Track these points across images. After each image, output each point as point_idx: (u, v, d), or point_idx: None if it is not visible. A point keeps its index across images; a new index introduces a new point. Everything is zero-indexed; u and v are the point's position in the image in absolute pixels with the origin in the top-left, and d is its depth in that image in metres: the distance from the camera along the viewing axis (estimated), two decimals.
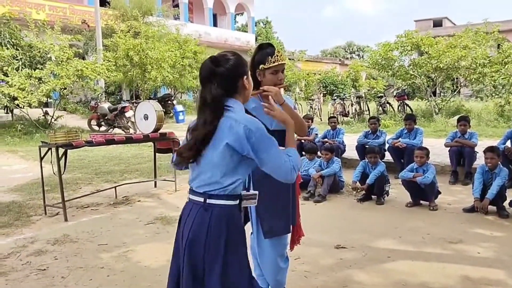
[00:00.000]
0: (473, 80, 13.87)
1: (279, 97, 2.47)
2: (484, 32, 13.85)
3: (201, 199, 1.90)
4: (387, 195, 5.60)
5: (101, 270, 3.56)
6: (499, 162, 5.02)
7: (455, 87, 16.29)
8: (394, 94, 16.98)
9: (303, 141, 7.44)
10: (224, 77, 1.90)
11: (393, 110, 15.39)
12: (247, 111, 2.45)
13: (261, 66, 2.52)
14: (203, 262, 1.87)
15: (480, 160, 5.73)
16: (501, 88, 13.68)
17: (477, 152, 6.29)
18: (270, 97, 2.33)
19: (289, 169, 1.89)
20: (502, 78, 13.15)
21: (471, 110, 13.92)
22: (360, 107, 15.87)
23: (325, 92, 27.82)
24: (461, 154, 6.44)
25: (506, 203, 4.87)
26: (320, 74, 30.50)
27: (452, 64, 13.12)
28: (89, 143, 5.13)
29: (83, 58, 16.06)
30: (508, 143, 6.29)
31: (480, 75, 13.31)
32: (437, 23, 39.44)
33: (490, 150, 5.01)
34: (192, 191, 1.96)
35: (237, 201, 1.94)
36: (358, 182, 5.65)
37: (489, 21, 14.39)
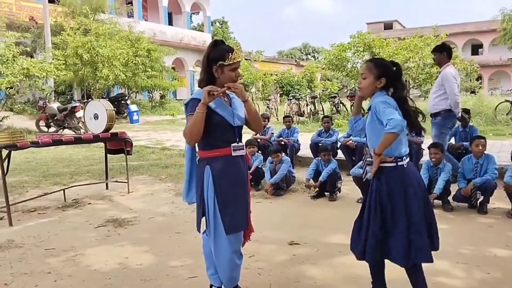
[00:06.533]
0: (421, 80, 14.49)
1: (243, 94, 2.53)
2: (433, 35, 14.53)
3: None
4: (339, 192, 5.74)
5: (47, 275, 3.41)
6: (443, 158, 5.26)
7: None
8: (348, 94, 17.42)
9: (259, 140, 7.49)
10: None
11: (347, 109, 15.78)
12: (209, 108, 2.46)
13: (220, 62, 2.50)
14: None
15: (426, 157, 5.97)
16: None
17: (423, 149, 6.56)
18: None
19: None
20: None
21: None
22: (315, 107, 16.17)
23: (282, 92, 28.10)
24: (409, 151, 6.68)
25: (450, 197, 5.12)
26: (276, 75, 30.81)
27: (402, 65, 13.66)
28: (35, 144, 4.91)
29: (31, 56, 15.38)
30: (452, 140, 6.63)
31: (428, 75, 13.93)
32: (388, 26, 40.94)
33: (433, 146, 5.25)
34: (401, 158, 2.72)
35: None
36: (311, 179, 5.75)
37: (437, 25, 15.13)
